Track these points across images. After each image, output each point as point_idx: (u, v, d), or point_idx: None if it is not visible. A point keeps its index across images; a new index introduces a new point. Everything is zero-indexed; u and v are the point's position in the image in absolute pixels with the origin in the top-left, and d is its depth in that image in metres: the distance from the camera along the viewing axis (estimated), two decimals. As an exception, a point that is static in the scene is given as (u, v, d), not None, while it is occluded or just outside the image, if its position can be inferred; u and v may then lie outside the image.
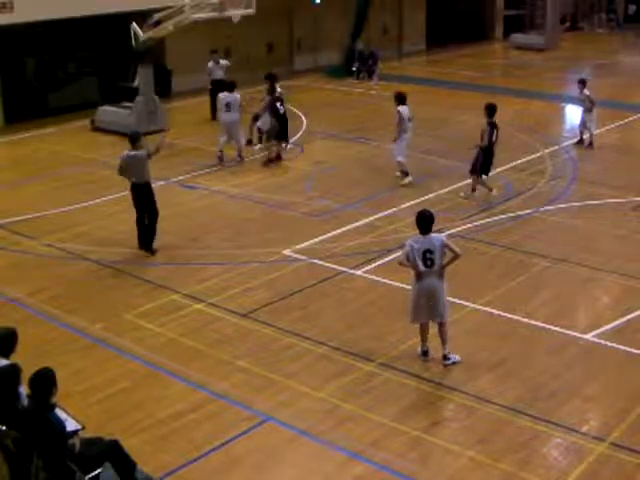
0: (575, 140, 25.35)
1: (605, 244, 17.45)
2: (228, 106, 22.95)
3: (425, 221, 12.45)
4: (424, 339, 12.87)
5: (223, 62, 28.60)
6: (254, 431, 11.14)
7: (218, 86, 26.69)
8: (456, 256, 12.41)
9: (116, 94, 28.24)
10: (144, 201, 17.00)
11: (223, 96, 23.23)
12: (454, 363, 12.66)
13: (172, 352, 13.13)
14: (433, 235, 12.41)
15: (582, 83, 25.46)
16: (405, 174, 21.28)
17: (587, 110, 25.00)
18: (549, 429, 11.11)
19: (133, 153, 16.73)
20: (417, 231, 12.51)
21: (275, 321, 14.07)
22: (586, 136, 25.00)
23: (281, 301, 14.85)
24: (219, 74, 28.19)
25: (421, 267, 12.24)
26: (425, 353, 12.87)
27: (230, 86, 23.54)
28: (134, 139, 16.90)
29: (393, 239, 17.50)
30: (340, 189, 20.83)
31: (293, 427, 11.20)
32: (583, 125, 25.07)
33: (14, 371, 9.56)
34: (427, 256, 12.21)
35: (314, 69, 37.50)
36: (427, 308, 12.49)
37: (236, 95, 23.24)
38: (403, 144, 21.25)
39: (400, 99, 21.15)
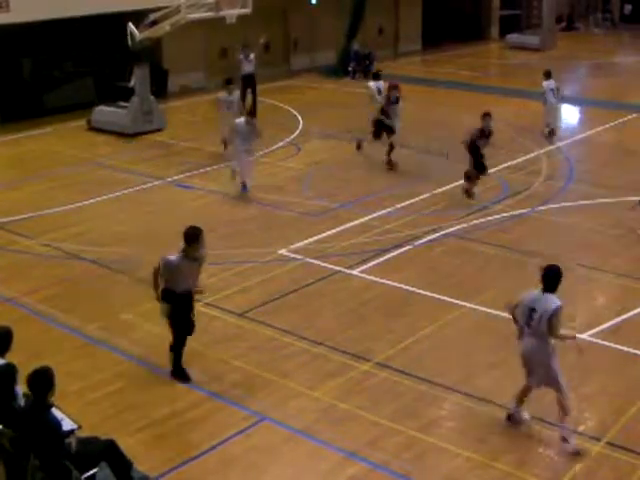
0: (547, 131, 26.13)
1: (601, 244, 17.47)
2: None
3: (551, 278, 10.75)
4: (517, 400, 11.28)
5: (252, 56, 28.62)
6: (250, 430, 11.14)
7: (248, 80, 28.15)
8: (558, 336, 10.78)
9: (112, 94, 28.22)
10: (185, 315, 12.47)
11: (223, 97, 23.34)
12: (519, 421, 11.25)
13: (168, 352, 13.10)
14: (551, 297, 10.66)
15: (547, 75, 26.19)
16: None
17: (546, 102, 26.03)
18: (545, 428, 11.12)
19: (184, 260, 12.25)
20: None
21: (271, 321, 14.07)
22: (549, 127, 26.08)
23: (277, 301, 14.85)
24: (249, 68, 28.45)
25: (520, 322, 10.97)
26: (509, 418, 11.27)
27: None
28: (192, 239, 12.39)
29: (389, 239, 17.51)
30: (336, 189, 20.83)
31: (289, 427, 11.21)
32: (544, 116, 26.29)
33: (10, 370, 9.56)
34: (531, 314, 10.72)
35: (310, 69, 37.48)
36: (526, 370, 11.07)
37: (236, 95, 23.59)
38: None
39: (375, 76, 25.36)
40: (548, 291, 10.66)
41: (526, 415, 11.20)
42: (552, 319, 10.50)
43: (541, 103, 26.23)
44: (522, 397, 11.20)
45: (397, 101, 23.35)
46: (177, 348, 12.40)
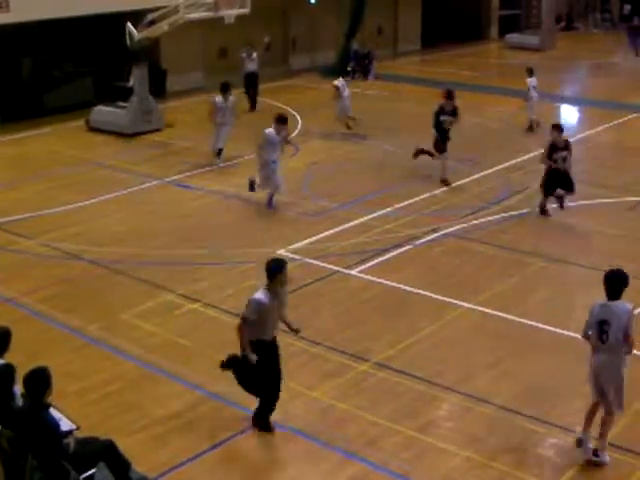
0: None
1: (601, 244, 17.48)
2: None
3: (614, 283, 10.15)
4: (585, 424, 10.64)
5: (255, 55, 29.53)
6: (249, 431, 11.13)
7: (251, 79, 29.35)
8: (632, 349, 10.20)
9: (111, 94, 28.22)
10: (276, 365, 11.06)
11: (219, 102, 22.70)
12: (597, 463, 10.47)
13: (168, 352, 13.13)
14: (618, 303, 10.12)
15: (530, 72, 27.21)
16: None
17: (528, 98, 26.90)
18: (544, 429, 11.13)
19: (273, 300, 10.77)
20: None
21: (270, 321, 14.05)
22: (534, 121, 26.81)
23: (276, 301, 14.83)
24: (252, 67, 29.50)
25: (593, 340, 10.32)
26: (579, 443, 10.59)
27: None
28: (276, 271, 10.80)
29: (388, 239, 17.52)
30: (335, 189, 20.84)
31: (288, 427, 11.20)
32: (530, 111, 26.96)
33: (8, 371, 9.56)
34: (603, 328, 10.09)
35: (310, 69, 37.46)
36: (596, 389, 10.50)
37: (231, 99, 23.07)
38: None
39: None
40: (613, 299, 10.09)
41: (605, 457, 10.46)
42: (628, 330, 9.97)
43: (524, 100, 27.13)
44: (588, 420, 10.57)
45: (454, 113, 21.33)
46: (269, 404, 10.99)
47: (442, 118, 21.02)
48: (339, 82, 26.66)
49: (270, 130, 19.22)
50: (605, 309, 10.08)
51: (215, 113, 22.57)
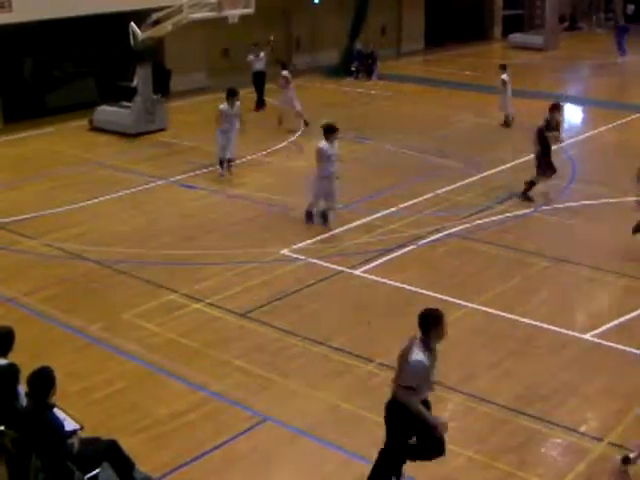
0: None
1: (604, 244, 17.44)
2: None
3: None
4: None
5: (262, 54, 29.72)
6: (253, 431, 11.13)
7: (258, 78, 29.78)
8: None
9: (115, 94, 28.23)
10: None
11: (225, 109, 21.76)
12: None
13: (170, 352, 13.12)
14: None
15: (503, 68, 27.94)
16: None
17: (502, 92, 27.36)
18: (547, 429, 11.11)
19: (430, 356, 9.64)
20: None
21: (274, 321, 14.06)
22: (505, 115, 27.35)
23: (280, 301, 14.84)
24: (259, 66, 29.72)
25: None
26: (626, 460, 10.20)
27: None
28: (432, 322, 9.61)
29: (392, 239, 17.50)
30: (338, 189, 20.78)
31: (292, 427, 11.19)
32: (501, 107, 27.43)
33: (13, 370, 9.56)
34: None
35: (313, 69, 37.46)
36: None
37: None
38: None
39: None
40: None
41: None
42: None
43: (498, 94, 27.64)
44: None
45: (557, 127, 20.16)
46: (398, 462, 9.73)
47: (547, 134, 19.59)
48: (287, 73, 27.68)
49: (324, 144, 18.14)
50: None
51: (221, 120, 21.74)
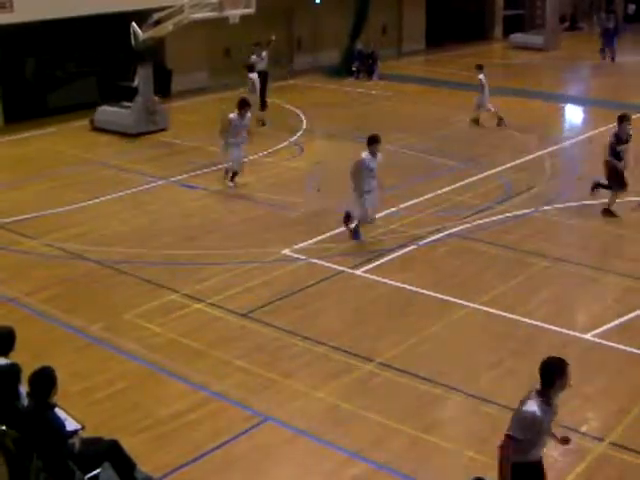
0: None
1: (604, 244, 17.46)
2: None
3: None
4: None
5: (264, 54, 29.46)
6: (253, 431, 11.14)
7: (261, 77, 28.63)
8: None
9: (116, 94, 28.24)
10: None
11: (235, 119, 20.78)
12: None
13: (171, 352, 13.13)
14: None
15: (479, 68, 27.87)
16: None
17: (481, 92, 27.38)
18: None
19: (548, 411, 8.57)
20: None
21: (274, 321, 14.07)
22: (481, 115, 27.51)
23: (280, 301, 14.84)
24: (261, 66, 29.30)
25: None
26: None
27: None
28: (558, 371, 8.43)
29: (392, 239, 17.51)
30: (339, 189, 20.79)
31: (292, 427, 11.20)
32: (478, 107, 27.51)
33: (14, 370, 9.57)
34: None
35: (314, 69, 37.47)
36: None
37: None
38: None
39: None
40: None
41: None
42: None
43: (479, 93, 27.55)
44: None
45: (628, 140, 18.75)
46: None
47: (619, 149, 18.45)
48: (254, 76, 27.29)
49: (366, 155, 16.98)
50: None
51: (229, 131, 20.78)
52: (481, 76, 27.47)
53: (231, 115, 20.76)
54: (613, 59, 40.42)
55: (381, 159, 17.22)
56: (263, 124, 27.13)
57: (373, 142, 17.14)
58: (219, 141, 21.44)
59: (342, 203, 19.21)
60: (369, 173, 17.06)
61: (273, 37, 30.50)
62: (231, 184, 21.13)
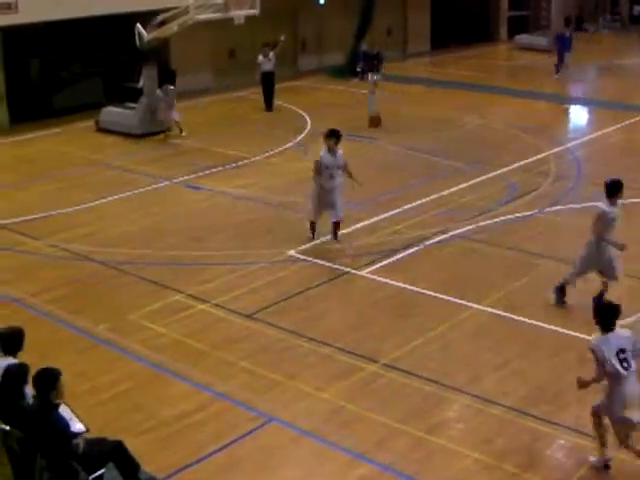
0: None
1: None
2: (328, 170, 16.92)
3: (604, 313, 10.51)
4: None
5: (271, 55, 29.55)
6: (258, 432, 11.14)
7: (267, 78, 29.71)
8: None
9: (121, 95, 28.27)
10: None
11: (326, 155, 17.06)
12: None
13: (176, 353, 13.14)
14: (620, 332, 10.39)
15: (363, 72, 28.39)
16: None
17: (372, 93, 27.42)
18: (553, 430, 11.11)
19: None
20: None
21: (279, 322, 14.07)
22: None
23: (285, 302, 14.85)
24: (268, 67, 29.57)
25: (617, 370, 9.97)
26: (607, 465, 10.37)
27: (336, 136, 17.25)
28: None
29: (397, 240, 17.50)
30: (344, 190, 20.79)
31: (297, 428, 11.20)
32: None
33: (22, 370, 9.57)
34: (622, 355, 10.07)
35: (318, 70, 37.47)
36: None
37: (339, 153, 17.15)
38: None
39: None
40: (608, 329, 10.15)
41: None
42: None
43: (370, 93, 27.67)
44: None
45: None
46: None
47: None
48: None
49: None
50: (620, 337, 10.28)
51: (320, 173, 16.98)
52: (375, 77, 27.62)
53: (321, 153, 16.97)
54: (558, 72, 36.09)
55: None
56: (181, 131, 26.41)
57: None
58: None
59: (348, 204, 19.22)
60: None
61: (282, 37, 30.34)
62: (311, 234, 17.56)
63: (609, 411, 10.07)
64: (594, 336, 10.22)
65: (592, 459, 10.44)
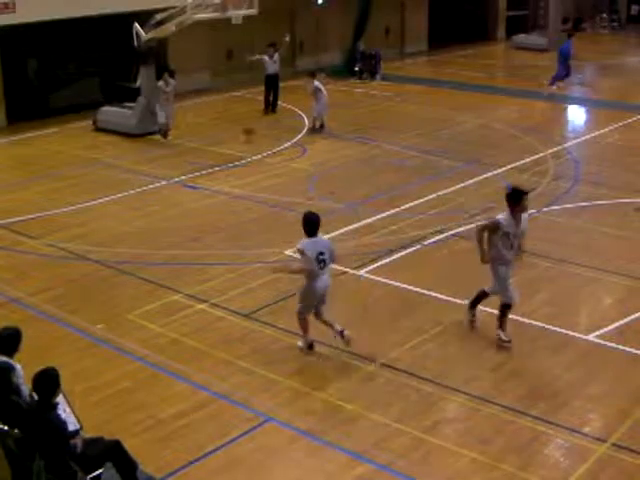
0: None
1: (606, 245, 17.44)
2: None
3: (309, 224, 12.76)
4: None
5: (277, 56, 29.11)
6: (256, 431, 11.14)
7: (272, 81, 29.18)
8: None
9: (118, 94, 28.27)
10: None
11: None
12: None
13: (174, 352, 13.13)
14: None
15: (312, 75, 27.17)
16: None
17: (318, 100, 26.56)
18: (550, 430, 11.11)
19: None
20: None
21: (277, 321, 14.07)
22: (315, 121, 26.84)
23: (283, 301, 14.83)
24: (273, 69, 29.14)
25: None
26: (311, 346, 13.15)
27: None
28: None
29: (395, 239, 17.50)
30: (342, 189, 20.82)
31: (294, 427, 11.20)
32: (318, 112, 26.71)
33: (5, 366, 9.58)
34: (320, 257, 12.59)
35: (316, 70, 37.43)
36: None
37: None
38: None
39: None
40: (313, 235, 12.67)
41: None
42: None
43: (315, 100, 26.69)
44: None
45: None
46: None
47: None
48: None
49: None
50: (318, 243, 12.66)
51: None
52: (317, 83, 26.78)
53: (500, 216, 13.15)
54: (553, 82, 33.08)
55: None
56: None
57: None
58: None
59: (343, 203, 19.27)
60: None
61: (287, 38, 29.63)
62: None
63: (301, 300, 12.90)
64: (302, 240, 12.59)
65: (299, 344, 13.08)
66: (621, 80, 36.36)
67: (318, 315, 13.02)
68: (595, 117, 30.14)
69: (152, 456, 10.49)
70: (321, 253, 12.55)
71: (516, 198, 12.89)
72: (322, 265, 12.56)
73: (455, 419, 11.56)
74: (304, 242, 12.57)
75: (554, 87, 32.48)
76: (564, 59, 32.66)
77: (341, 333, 12.80)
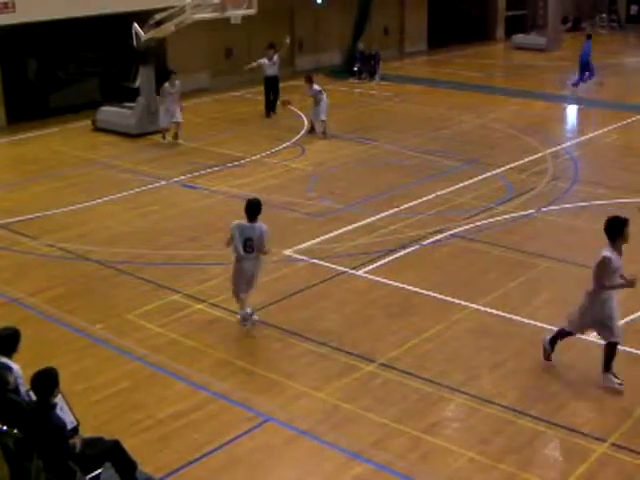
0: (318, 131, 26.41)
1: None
2: None
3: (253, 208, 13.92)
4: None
5: (276, 58, 28.74)
6: (254, 431, 11.14)
7: (271, 83, 28.73)
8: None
9: (117, 94, 28.26)
10: None
11: None
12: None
13: (173, 352, 13.14)
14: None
15: (309, 81, 26.76)
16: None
17: (317, 103, 26.17)
18: (550, 429, 11.11)
19: None
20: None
21: (276, 321, 14.07)
22: (317, 126, 26.33)
23: (282, 301, 14.85)
24: (272, 70, 28.76)
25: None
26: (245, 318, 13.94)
27: None
28: None
29: (394, 239, 17.51)
30: (341, 189, 20.83)
31: (293, 427, 11.21)
32: (315, 116, 26.34)
33: (1, 367, 9.59)
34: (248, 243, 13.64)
35: (316, 70, 37.43)
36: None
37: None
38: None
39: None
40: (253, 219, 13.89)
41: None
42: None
43: (315, 105, 26.27)
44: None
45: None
46: None
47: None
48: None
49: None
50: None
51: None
52: (316, 86, 26.49)
53: (605, 253, 12.67)
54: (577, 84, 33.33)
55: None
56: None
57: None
58: None
59: (343, 204, 19.27)
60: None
61: (287, 40, 29.01)
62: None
63: (232, 280, 13.91)
64: (236, 222, 13.83)
65: (238, 316, 13.91)
66: (620, 80, 36.34)
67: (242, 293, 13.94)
68: (594, 117, 30.12)
69: (151, 456, 10.50)
70: (249, 239, 13.61)
71: (619, 228, 12.25)
72: (250, 250, 13.61)
73: (454, 419, 11.56)
74: (235, 224, 13.82)
75: (576, 88, 32.96)
76: (586, 62, 32.99)
77: (251, 314, 13.90)
